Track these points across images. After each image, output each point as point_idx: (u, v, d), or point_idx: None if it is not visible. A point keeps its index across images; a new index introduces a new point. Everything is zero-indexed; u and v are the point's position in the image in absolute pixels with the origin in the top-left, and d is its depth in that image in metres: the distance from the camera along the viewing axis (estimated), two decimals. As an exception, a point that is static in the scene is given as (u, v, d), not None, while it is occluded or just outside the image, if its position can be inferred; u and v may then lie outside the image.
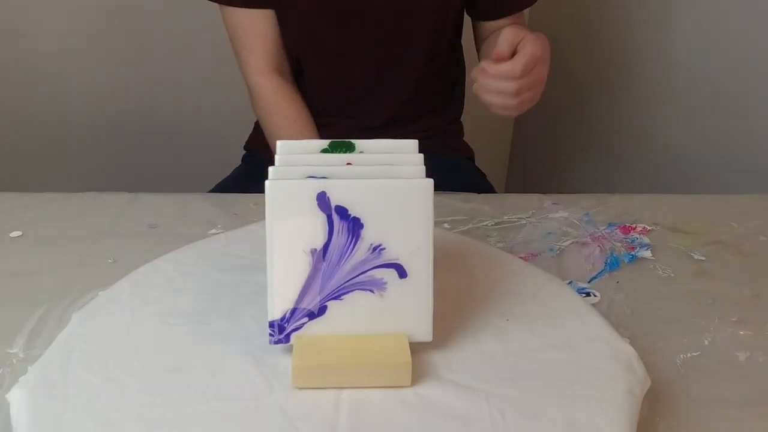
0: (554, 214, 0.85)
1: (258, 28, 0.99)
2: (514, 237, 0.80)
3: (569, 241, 0.80)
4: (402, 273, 0.53)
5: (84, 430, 0.48)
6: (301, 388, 0.51)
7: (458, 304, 0.61)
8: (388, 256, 0.53)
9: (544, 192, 0.89)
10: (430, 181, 0.53)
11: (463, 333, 0.58)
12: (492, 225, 0.83)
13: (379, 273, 0.53)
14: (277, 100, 1.00)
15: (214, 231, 0.79)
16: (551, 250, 0.78)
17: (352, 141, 0.57)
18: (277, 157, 0.56)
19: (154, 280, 0.64)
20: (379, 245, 0.53)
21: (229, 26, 1.00)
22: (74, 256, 0.74)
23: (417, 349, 0.55)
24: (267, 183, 0.52)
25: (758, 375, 0.61)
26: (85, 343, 0.55)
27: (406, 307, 0.54)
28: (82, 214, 0.83)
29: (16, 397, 0.51)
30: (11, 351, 0.60)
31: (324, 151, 0.57)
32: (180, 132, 1.61)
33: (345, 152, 0.57)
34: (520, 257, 0.73)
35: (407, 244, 0.53)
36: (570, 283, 0.71)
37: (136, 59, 1.55)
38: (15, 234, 0.78)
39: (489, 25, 1.04)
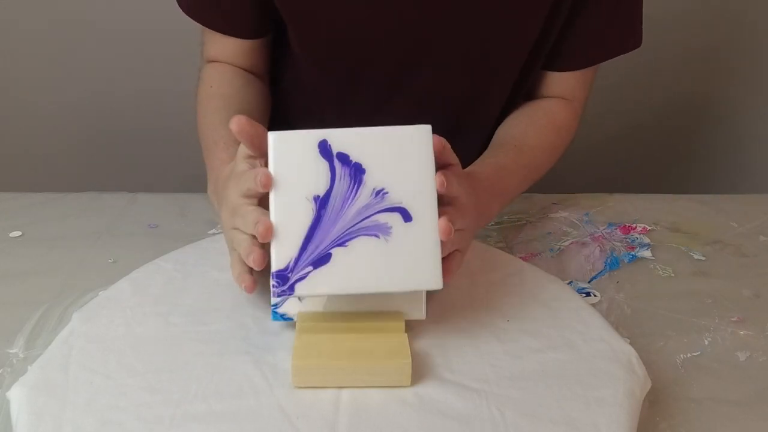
0: (554, 214, 0.85)
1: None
2: (514, 237, 0.80)
3: (569, 241, 0.80)
4: (407, 216, 0.52)
5: (84, 429, 0.48)
6: (300, 388, 0.51)
7: (458, 304, 0.61)
8: (391, 199, 0.52)
9: (544, 192, 0.89)
10: (428, 127, 0.53)
11: (463, 333, 0.58)
12: (492, 225, 0.83)
13: (383, 217, 0.52)
14: (228, 90, 0.77)
15: (214, 231, 0.79)
16: (551, 250, 0.78)
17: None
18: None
19: (155, 280, 0.64)
20: (382, 189, 0.52)
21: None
22: (74, 256, 0.74)
23: (417, 349, 0.55)
24: (270, 134, 0.52)
25: (758, 375, 0.61)
26: (86, 343, 0.55)
27: (413, 252, 0.53)
28: (82, 214, 0.83)
29: (16, 396, 0.51)
30: (11, 351, 0.60)
31: None
32: (180, 132, 1.61)
33: None
34: (520, 257, 0.73)
35: (410, 188, 0.53)
36: (570, 283, 0.71)
37: (137, 58, 1.55)
38: (15, 234, 0.78)
39: (552, 77, 0.83)
